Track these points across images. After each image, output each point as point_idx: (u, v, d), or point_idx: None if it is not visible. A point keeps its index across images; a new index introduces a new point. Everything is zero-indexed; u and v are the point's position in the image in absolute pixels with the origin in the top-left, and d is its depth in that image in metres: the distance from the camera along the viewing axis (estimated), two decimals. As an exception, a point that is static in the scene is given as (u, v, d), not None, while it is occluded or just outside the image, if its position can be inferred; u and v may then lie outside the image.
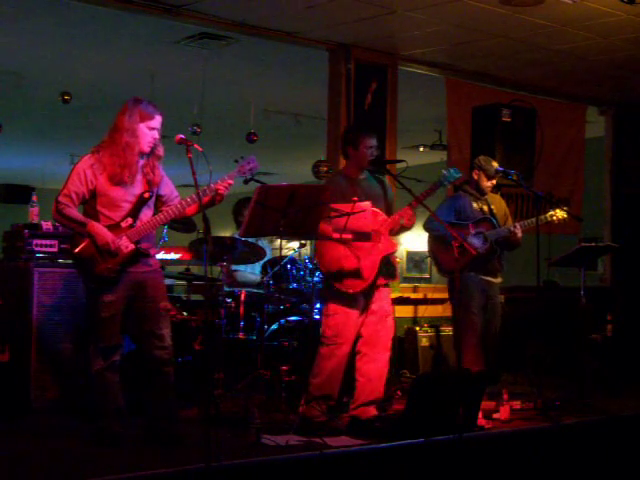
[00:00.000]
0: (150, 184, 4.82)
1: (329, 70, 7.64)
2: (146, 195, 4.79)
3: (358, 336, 5.45)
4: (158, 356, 4.77)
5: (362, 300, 5.41)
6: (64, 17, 7.01)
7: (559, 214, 6.26)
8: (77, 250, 4.68)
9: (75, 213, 4.71)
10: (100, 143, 4.80)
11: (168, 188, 4.93)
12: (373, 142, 5.52)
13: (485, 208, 6.41)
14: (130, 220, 4.74)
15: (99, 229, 4.65)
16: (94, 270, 4.66)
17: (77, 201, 4.72)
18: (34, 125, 11.48)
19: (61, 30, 7.37)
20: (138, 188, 4.78)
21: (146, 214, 4.80)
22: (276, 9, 6.67)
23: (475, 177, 6.44)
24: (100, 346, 4.73)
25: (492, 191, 6.54)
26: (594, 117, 9.73)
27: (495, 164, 6.44)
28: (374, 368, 5.44)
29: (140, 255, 4.75)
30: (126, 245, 4.69)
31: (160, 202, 4.90)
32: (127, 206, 4.75)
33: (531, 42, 7.45)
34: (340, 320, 5.38)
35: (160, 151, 4.85)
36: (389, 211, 5.57)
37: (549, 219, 6.26)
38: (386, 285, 5.55)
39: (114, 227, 4.70)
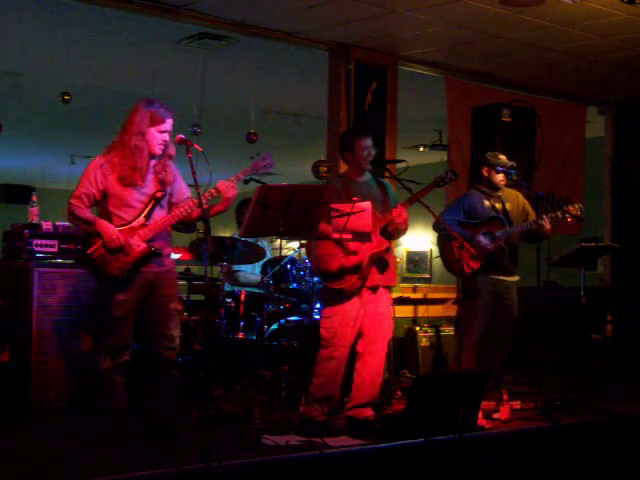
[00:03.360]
0: (163, 183, 4.80)
1: (329, 70, 7.63)
2: (159, 194, 4.77)
3: (358, 336, 5.45)
4: (166, 357, 4.77)
5: (358, 301, 5.39)
6: (64, 17, 7.00)
7: (572, 209, 6.13)
8: (90, 251, 4.67)
9: (85, 213, 4.69)
10: (111, 143, 4.79)
11: (179, 187, 4.90)
12: (368, 142, 5.49)
13: (498, 206, 6.27)
14: (143, 220, 4.72)
15: (106, 227, 4.64)
16: (106, 270, 4.65)
17: (88, 202, 4.71)
18: (34, 125, 11.46)
19: (61, 30, 7.37)
20: (150, 188, 4.77)
21: (159, 214, 4.77)
22: (276, 9, 6.67)
23: (485, 174, 6.30)
24: (110, 345, 4.72)
25: (507, 186, 6.37)
26: (594, 117, 9.72)
27: (502, 157, 6.32)
28: (368, 370, 5.43)
29: (152, 254, 4.73)
30: (138, 244, 4.67)
31: (170, 202, 4.87)
32: (139, 206, 4.74)
33: (531, 42, 7.45)
34: (337, 322, 5.37)
35: (172, 150, 4.83)
36: None
37: (563, 216, 6.11)
38: (386, 287, 5.53)
39: (127, 227, 4.69)
